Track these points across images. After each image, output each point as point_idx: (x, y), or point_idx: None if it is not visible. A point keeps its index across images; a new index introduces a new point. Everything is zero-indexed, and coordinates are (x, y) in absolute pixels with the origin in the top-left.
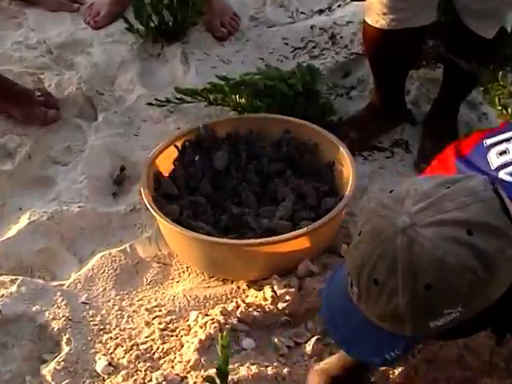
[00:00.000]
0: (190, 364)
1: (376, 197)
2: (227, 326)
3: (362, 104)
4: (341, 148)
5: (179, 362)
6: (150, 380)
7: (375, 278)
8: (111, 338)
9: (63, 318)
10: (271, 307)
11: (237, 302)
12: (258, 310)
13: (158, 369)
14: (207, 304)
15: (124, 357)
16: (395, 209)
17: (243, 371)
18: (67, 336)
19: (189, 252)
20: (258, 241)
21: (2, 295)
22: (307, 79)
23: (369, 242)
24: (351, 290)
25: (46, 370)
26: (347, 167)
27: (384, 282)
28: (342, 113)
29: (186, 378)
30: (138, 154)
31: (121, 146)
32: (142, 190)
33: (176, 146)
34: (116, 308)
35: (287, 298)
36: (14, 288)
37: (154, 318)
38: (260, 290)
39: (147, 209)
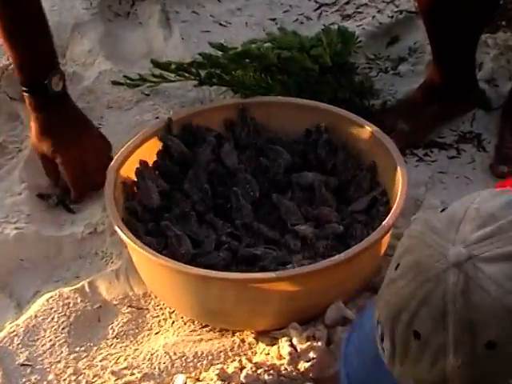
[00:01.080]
0: None
1: (422, 217)
2: None
3: (415, 83)
4: (386, 144)
5: None
6: None
7: (416, 330)
8: None
9: None
10: (289, 368)
11: (241, 361)
12: (271, 372)
13: None
14: (199, 364)
15: None
16: (448, 235)
17: None
18: None
19: (174, 291)
20: (272, 275)
21: None
22: (338, 48)
23: (409, 279)
24: (381, 346)
25: None
26: (395, 172)
27: (428, 336)
28: (386, 95)
29: None
30: None
31: None
32: (107, 204)
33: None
34: (69, 371)
35: (311, 355)
36: None
37: None
38: (273, 345)
39: (114, 231)
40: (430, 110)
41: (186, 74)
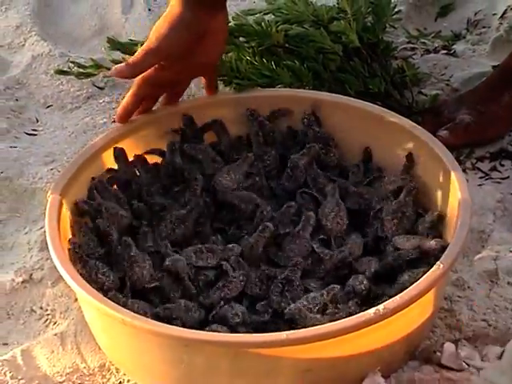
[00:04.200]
0: None
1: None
2: None
3: (478, 67)
4: (438, 154)
5: None
6: None
7: None
8: None
9: None
10: None
11: None
12: None
13: None
14: None
15: None
16: None
17: None
18: None
19: (145, 361)
20: (281, 336)
21: None
22: (368, 22)
23: None
24: None
25: None
26: (451, 194)
27: None
28: (437, 83)
29: None
30: (33, 170)
31: None
32: (48, 240)
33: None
34: None
35: None
36: None
37: None
38: None
39: (58, 279)
40: (506, 99)
41: None
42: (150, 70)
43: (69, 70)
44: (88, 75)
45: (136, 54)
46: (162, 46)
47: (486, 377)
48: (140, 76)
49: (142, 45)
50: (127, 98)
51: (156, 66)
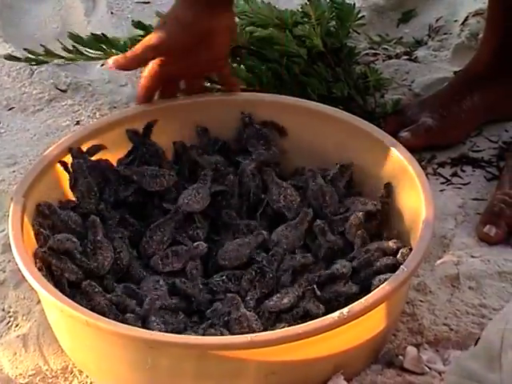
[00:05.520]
0: None
1: (454, 362)
2: None
3: (440, 72)
4: (400, 158)
5: None
6: None
7: None
8: None
9: None
10: None
11: None
12: None
13: None
14: None
15: None
16: (491, 378)
17: None
18: None
19: (109, 363)
20: (245, 338)
21: None
22: (332, 26)
23: None
24: None
25: None
26: (414, 198)
27: None
28: (399, 91)
29: None
30: None
31: None
32: (11, 241)
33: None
34: None
35: None
36: None
37: None
38: None
39: (23, 277)
40: (468, 103)
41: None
42: (154, 66)
43: (22, 56)
44: (39, 62)
45: (135, 47)
46: (161, 41)
47: (459, 362)
48: (147, 71)
49: (110, 43)
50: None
51: (159, 61)
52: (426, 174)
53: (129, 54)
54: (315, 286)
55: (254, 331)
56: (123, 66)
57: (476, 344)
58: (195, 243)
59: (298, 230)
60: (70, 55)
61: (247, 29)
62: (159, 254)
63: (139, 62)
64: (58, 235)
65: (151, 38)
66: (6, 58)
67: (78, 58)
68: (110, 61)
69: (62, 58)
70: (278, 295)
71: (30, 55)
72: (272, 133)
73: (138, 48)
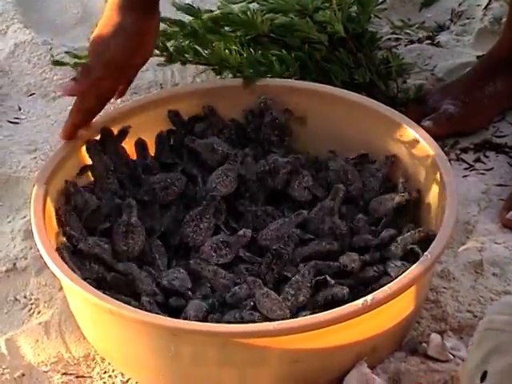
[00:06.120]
0: None
1: (505, 300)
2: None
3: (462, 56)
4: (425, 145)
5: None
6: None
7: None
8: None
9: None
10: None
11: None
12: None
13: None
14: None
15: None
16: None
17: None
18: None
19: (132, 350)
20: (268, 327)
21: None
22: (353, 12)
23: None
24: None
25: None
26: (437, 185)
27: None
28: (422, 76)
29: None
30: (16, 159)
31: None
32: (33, 228)
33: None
34: None
35: None
36: None
37: None
38: None
39: (43, 267)
40: (491, 88)
41: None
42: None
43: (52, 60)
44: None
45: (81, 69)
46: (107, 57)
47: None
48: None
49: None
50: (72, 114)
51: (101, 79)
52: (449, 160)
53: (78, 77)
54: (327, 276)
55: (281, 307)
56: (74, 93)
57: None
58: (240, 231)
59: (332, 210)
60: None
61: (267, 16)
62: (210, 245)
63: (89, 85)
64: (90, 239)
65: (95, 55)
66: (53, 64)
67: None
68: (63, 88)
69: None
70: (292, 292)
71: (76, 60)
72: (289, 123)
73: (84, 70)
